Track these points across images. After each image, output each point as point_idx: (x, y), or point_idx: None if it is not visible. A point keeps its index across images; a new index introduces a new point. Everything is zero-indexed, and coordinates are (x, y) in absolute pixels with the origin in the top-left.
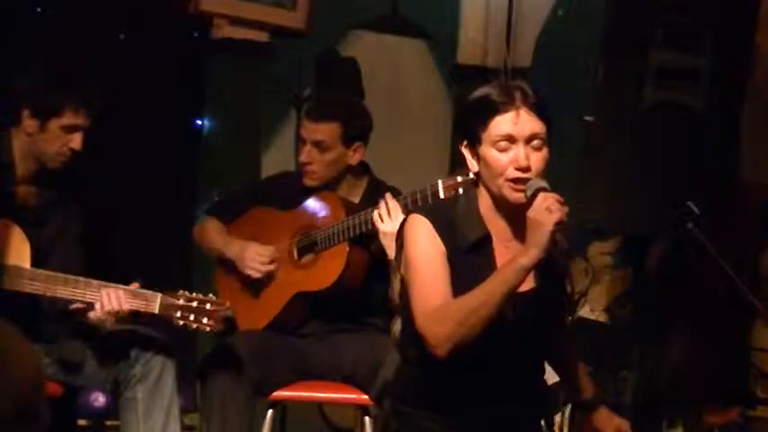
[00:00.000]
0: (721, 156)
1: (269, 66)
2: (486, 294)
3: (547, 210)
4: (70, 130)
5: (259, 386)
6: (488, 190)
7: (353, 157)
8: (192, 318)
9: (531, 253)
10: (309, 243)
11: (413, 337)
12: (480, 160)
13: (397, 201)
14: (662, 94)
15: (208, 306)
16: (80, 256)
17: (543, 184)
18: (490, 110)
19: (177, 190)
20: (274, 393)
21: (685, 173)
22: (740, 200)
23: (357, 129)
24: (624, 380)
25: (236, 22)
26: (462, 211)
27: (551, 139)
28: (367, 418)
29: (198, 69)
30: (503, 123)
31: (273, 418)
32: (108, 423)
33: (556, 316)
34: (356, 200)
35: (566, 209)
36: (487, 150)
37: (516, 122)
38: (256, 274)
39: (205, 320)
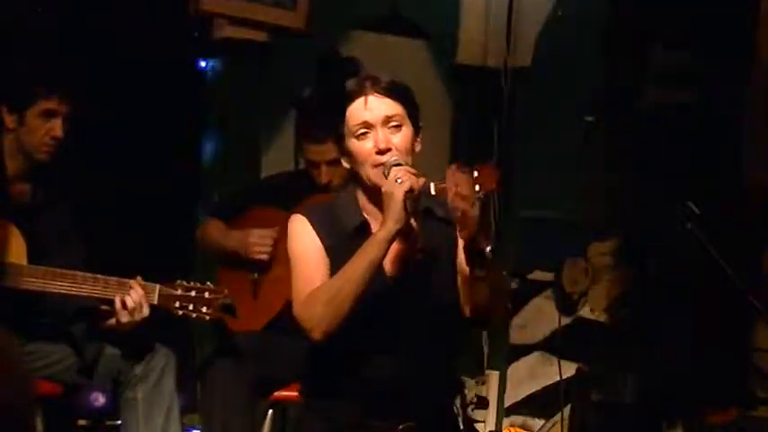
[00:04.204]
0: (721, 156)
1: (269, 66)
2: (348, 272)
3: (395, 181)
4: (47, 116)
5: (259, 386)
6: (361, 180)
7: None
8: (190, 307)
9: (387, 225)
10: None
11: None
12: (349, 154)
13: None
14: (662, 94)
15: (206, 294)
16: (79, 253)
17: (397, 160)
18: (345, 102)
19: (177, 190)
20: (274, 393)
21: (685, 173)
22: (740, 200)
23: None
24: (624, 380)
25: (236, 22)
26: (342, 202)
27: (417, 122)
28: None
29: (198, 70)
30: (355, 111)
31: (273, 418)
32: (108, 423)
33: (437, 291)
34: None
35: (421, 179)
36: (350, 142)
37: (366, 108)
38: (264, 256)
39: (204, 309)
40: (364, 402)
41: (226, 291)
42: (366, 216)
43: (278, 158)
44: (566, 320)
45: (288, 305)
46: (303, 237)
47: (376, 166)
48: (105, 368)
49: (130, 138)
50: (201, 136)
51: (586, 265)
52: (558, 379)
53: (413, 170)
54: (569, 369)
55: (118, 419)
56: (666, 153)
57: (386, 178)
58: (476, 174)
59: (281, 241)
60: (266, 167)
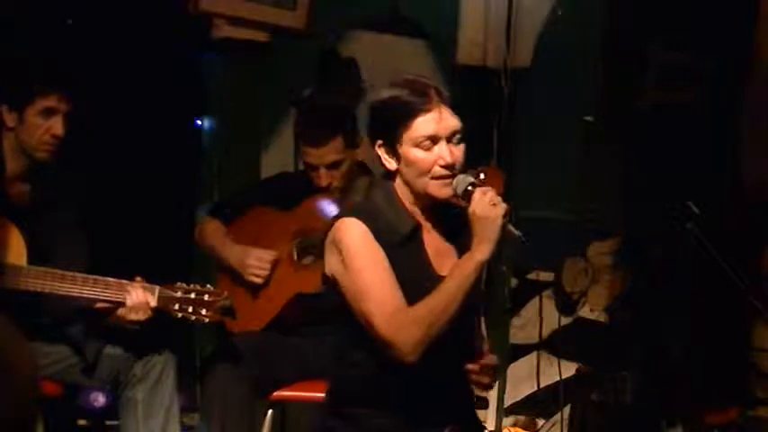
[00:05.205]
0: (721, 156)
1: (269, 66)
2: (449, 294)
3: (491, 204)
4: (47, 114)
5: (259, 386)
6: (410, 186)
7: (361, 153)
8: (190, 309)
9: (485, 247)
10: (309, 244)
11: (357, 340)
12: (401, 159)
13: None
14: (662, 94)
15: (206, 297)
16: (80, 254)
17: (472, 179)
18: (411, 111)
19: (177, 190)
20: (274, 393)
21: (685, 173)
22: (740, 200)
23: (354, 127)
24: (624, 380)
25: (235, 22)
26: (387, 206)
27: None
28: None
29: (198, 69)
30: (426, 124)
31: (273, 418)
32: (108, 423)
33: (474, 301)
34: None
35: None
36: (409, 150)
37: (439, 122)
38: (258, 281)
39: (204, 311)
40: (405, 408)
41: (225, 293)
42: (417, 220)
43: (278, 158)
44: (566, 320)
45: (287, 306)
46: (368, 243)
47: (437, 178)
48: (105, 368)
49: (130, 138)
50: (201, 136)
51: (586, 265)
52: (558, 379)
53: (494, 190)
54: (569, 369)
55: (118, 419)
56: (666, 153)
57: (457, 195)
58: (482, 176)
59: (280, 242)
60: (266, 167)
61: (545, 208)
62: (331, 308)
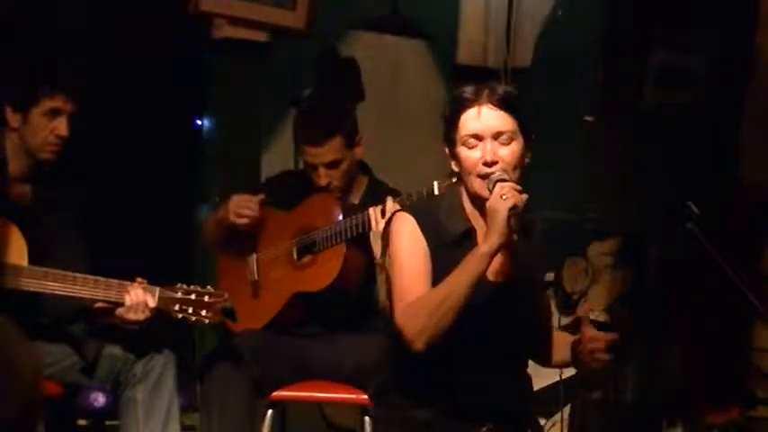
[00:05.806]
0: (721, 156)
1: (269, 66)
2: (452, 285)
3: (501, 197)
4: (52, 115)
5: (259, 386)
6: (466, 187)
7: (359, 152)
8: (190, 310)
9: (491, 240)
10: (308, 243)
11: (395, 331)
12: (456, 159)
13: (397, 202)
14: (662, 94)
15: (206, 298)
16: (81, 255)
17: (502, 175)
18: (458, 108)
19: (177, 190)
20: (274, 393)
21: (685, 173)
22: (740, 200)
23: (353, 126)
24: (624, 379)
25: (235, 22)
26: (446, 206)
27: (529, 135)
28: (367, 418)
29: (198, 69)
30: (468, 121)
31: (273, 418)
32: (108, 423)
33: (528, 304)
34: (356, 201)
35: (524, 196)
36: (459, 149)
37: (478, 119)
38: (244, 221)
39: (204, 312)
40: (445, 402)
41: (226, 294)
42: (472, 222)
43: (278, 158)
44: (566, 320)
45: (287, 305)
46: (411, 239)
47: (481, 176)
48: (105, 368)
49: (130, 138)
50: (201, 136)
51: (586, 265)
52: (558, 379)
53: (517, 187)
54: (569, 369)
55: (118, 419)
56: (666, 153)
57: (490, 192)
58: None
59: (280, 241)
60: (266, 167)
61: (545, 208)
62: (330, 306)
